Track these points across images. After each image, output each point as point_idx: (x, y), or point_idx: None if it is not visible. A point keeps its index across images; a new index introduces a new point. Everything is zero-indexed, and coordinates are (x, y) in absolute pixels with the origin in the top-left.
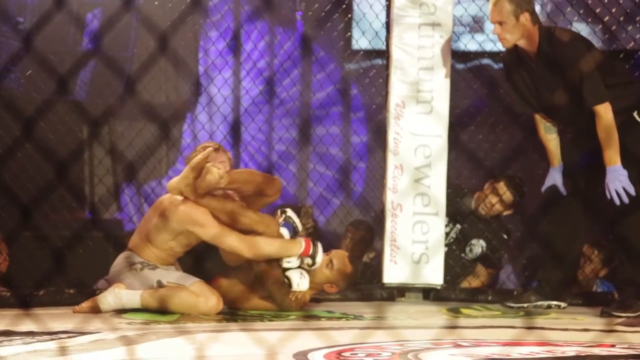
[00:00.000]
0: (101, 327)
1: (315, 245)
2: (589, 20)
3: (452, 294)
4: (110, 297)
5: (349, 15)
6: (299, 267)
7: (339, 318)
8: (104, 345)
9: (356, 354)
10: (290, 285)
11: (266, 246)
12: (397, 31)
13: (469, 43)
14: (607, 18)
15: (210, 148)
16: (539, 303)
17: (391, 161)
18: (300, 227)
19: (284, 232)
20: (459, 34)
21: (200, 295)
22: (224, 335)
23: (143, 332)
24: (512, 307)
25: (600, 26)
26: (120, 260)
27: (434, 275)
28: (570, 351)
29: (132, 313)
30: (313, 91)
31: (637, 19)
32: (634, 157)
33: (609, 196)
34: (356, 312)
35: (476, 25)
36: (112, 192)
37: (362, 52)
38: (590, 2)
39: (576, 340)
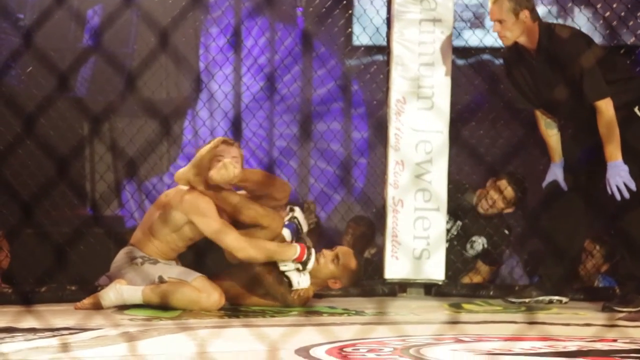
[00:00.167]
0: (103, 324)
1: (309, 253)
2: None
3: (453, 290)
4: (112, 293)
5: (350, 11)
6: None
7: (341, 314)
8: (106, 342)
9: (358, 349)
10: (290, 284)
11: (261, 250)
12: (397, 27)
13: (470, 39)
14: (608, 13)
15: (220, 138)
16: (541, 298)
17: (392, 157)
18: (305, 228)
19: (286, 233)
20: (460, 30)
21: (202, 290)
22: (225, 331)
23: (145, 328)
24: (513, 302)
25: (601, 22)
26: (121, 255)
27: (435, 270)
28: (572, 346)
29: (134, 309)
30: (314, 87)
31: (638, 14)
32: (635, 152)
33: (609, 191)
34: (358, 307)
35: (477, 21)
36: (113, 188)
37: (363, 48)
38: None
39: (578, 335)
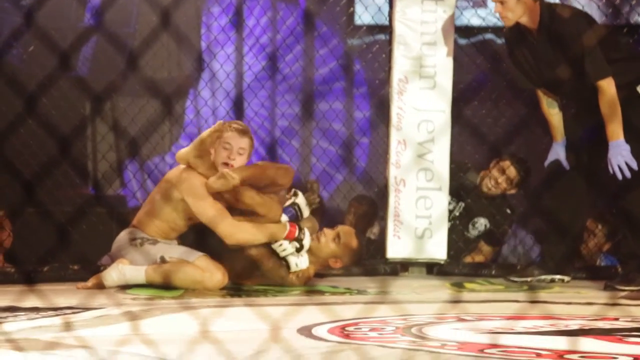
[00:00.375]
0: (105, 303)
1: (301, 231)
2: None
3: (455, 269)
4: (114, 273)
5: None
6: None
7: (343, 293)
8: (109, 321)
9: (360, 328)
10: (288, 267)
11: (249, 233)
12: (400, 6)
13: (472, 18)
14: None
15: (226, 124)
16: (543, 277)
17: (394, 136)
18: (306, 213)
19: (284, 218)
20: (462, 9)
21: (205, 270)
22: (228, 311)
23: (147, 307)
24: (515, 281)
25: (603, 0)
26: (122, 236)
27: (437, 250)
28: (574, 324)
29: (137, 289)
30: (316, 67)
31: None
32: (637, 131)
33: (611, 171)
34: (360, 287)
35: (479, 0)
36: (115, 168)
37: (365, 28)
38: None
39: (580, 313)
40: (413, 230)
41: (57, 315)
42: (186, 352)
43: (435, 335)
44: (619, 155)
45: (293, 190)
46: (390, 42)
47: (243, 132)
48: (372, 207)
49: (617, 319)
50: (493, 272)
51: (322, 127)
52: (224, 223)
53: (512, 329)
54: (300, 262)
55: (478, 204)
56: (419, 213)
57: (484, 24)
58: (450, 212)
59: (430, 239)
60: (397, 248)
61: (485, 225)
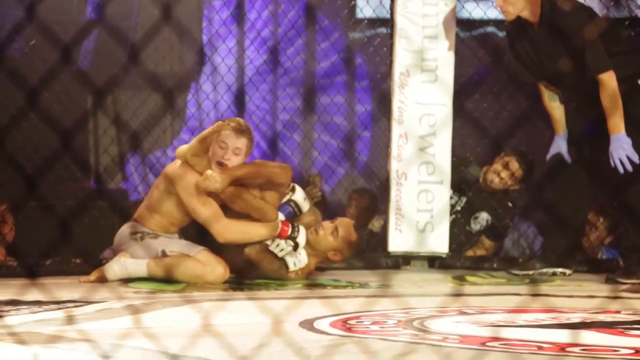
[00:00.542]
0: (108, 297)
1: (295, 227)
2: None
3: (457, 262)
4: (116, 267)
5: None
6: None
7: (345, 286)
8: (111, 314)
9: (362, 322)
10: (287, 267)
11: (239, 233)
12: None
13: (474, 11)
14: None
15: (228, 124)
16: (544, 270)
17: (396, 130)
18: (305, 208)
19: (280, 217)
20: (464, 2)
21: (206, 264)
22: (230, 304)
23: (149, 301)
24: (517, 275)
25: None
26: (123, 230)
27: (439, 243)
28: (576, 318)
29: (139, 282)
30: (317, 60)
31: None
32: (638, 124)
33: (613, 164)
34: (362, 280)
35: None
36: (116, 161)
37: (366, 21)
38: None
39: (581, 306)
40: (415, 223)
41: (60, 308)
42: (188, 346)
43: (437, 329)
44: (620, 149)
45: (291, 185)
46: (391, 35)
47: (240, 132)
48: (372, 199)
49: (618, 312)
50: (495, 265)
51: (324, 120)
52: (215, 222)
53: (514, 322)
54: (298, 261)
55: (480, 198)
56: (420, 207)
57: (485, 17)
58: (452, 206)
59: (431, 232)
60: (398, 241)
61: (487, 220)
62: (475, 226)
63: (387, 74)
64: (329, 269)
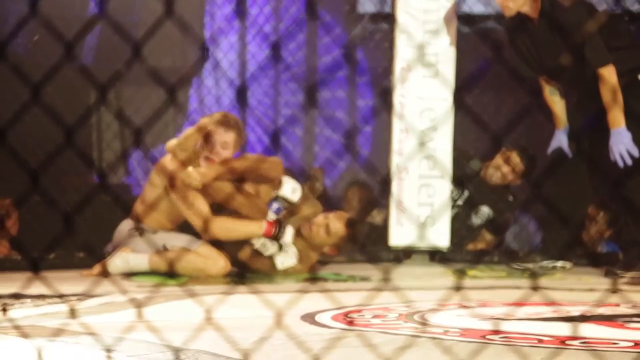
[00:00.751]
0: (111, 290)
1: (280, 227)
2: None
3: (457, 256)
4: (118, 261)
5: None
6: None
7: (346, 280)
8: (114, 308)
9: (363, 315)
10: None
11: (223, 230)
12: None
13: (475, 6)
14: None
15: (213, 119)
16: (545, 264)
17: (397, 124)
18: (296, 198)
19: (270, 215)
20: None
21: (207, 257)
22: (232, 298)
23: (152, 294)
24: (517, 268)
25: None
26: (122, 227)
27: (440, 237)
28: (576, 311)
29: (142, 276)
30: (319, 55)
31: None
32: (638, 118)
33: (613, 158)
34: (363, 274)
35: None
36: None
37: (368, 16)
38: None
39: (581, 300)
40: (415, 217)
41: (63, 302)
42: (190, 339)
43: (437, 322)
44: (621, 143)
45: (279, 179)
46: (392, 30)
47: (228, 127)
48: (367, 190)
49: (618, 305)
50: (495, 259)
51: (326, 115)
52: (199, 218)
53: (514, 316)
54: (286, 261)
55: (481, 192)
56: (421, 201)
57: (486, 12)
58: (454, 200)
59: (432, 226)
60: (400, 235)
61: (488, 215)
62: (476, 220)
63: (389, 69)
64: (330, 263)
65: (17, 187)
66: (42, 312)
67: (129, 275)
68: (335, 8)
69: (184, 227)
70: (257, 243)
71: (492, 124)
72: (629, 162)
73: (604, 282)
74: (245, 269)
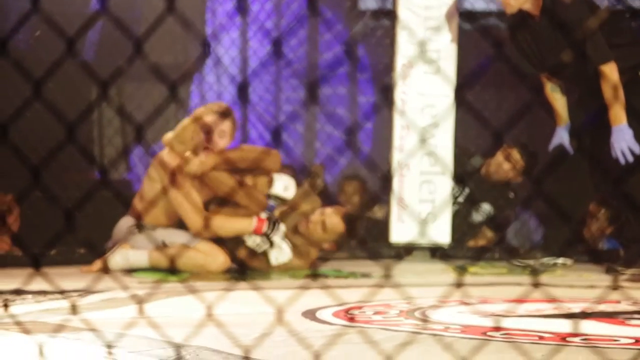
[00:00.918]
0: (112, 286)
1: (272, 225)
2: None
3: (458, 253)
4: (118, 257)
5: None
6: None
7: (347, 277)
8: (115, 304)
9: (364, 311)
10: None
11: (215, 227)
12: None
13: (476, 2)
14: None
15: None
16: (545, 260)
17: (398, 121)
18: (289, 194)
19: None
20: None
21: (208, 254)
22: (233, 294)
23: (153, 291)
24: (518, 265)
25: None
26: (122, 223)
27: (440, 234)
28: (576, 307)
29: (143, 272)
30: (320, 51)
31: None
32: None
33: (614, 155)
34: (364, 270)
35: None
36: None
37: (369, 13)
38: None
39: (582, 296)
40: (417, 214)
41: (64, 298)
42: (191, 335)
43: (438, 319)
44: (622, 140)
45: (270, 177)
46: (394, 27)
47: (224, 115)
48: (366, 183)
49: (619, 302)
50: (496, 255)
51: (327, 111)
52: (190, 213)
53: (515, 312)
54: (280, 256)
55: (482, 189)
56: (422, 197)
57: (487, 9)
58: (455, 197)
59: (433, 223)
60: (401, 232)
61: (489, 212)
62: (477, 217)
63: (390, 65)
64: (331, 259)
65: (18, 183)
66: (44, 308)
67: (130, 271)
68: (337, 4)
69: (183, 223)
70: (249, 240)
71: (493, 120)
72: (630, 159)
73: (604, 279)
74: (244, 267)
